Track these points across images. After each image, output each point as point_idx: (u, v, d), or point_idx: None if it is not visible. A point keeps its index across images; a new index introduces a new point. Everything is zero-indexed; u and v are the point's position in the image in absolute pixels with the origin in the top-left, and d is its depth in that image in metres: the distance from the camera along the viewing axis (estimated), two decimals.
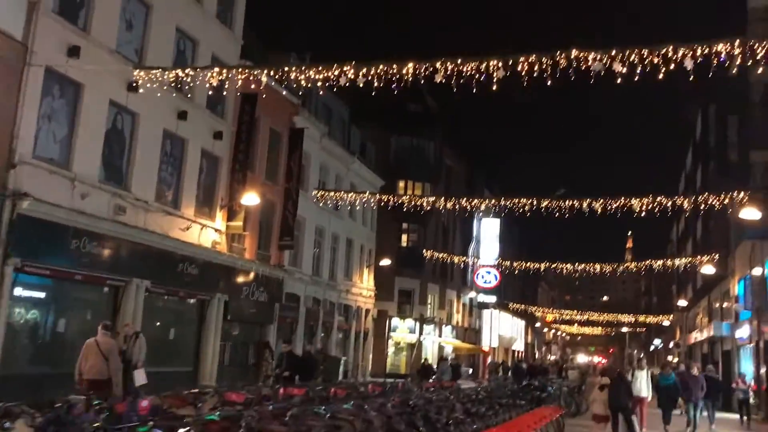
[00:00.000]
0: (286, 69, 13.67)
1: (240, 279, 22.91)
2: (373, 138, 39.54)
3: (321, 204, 28.99)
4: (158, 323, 19.74)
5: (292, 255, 27.55)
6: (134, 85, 17.38)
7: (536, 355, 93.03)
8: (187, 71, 14.55)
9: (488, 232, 55.59)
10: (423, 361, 32.38)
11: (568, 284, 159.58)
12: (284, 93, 25.80)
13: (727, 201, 20.22)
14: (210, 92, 20.86)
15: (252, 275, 23.60)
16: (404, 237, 43.16)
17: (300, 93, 27.64)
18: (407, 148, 43.60)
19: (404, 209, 42.02)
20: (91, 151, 16.58)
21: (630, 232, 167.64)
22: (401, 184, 42.36)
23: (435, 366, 46.00)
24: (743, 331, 28.92)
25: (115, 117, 17.67)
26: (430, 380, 24.38)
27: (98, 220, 16.45)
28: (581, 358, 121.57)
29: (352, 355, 34.19)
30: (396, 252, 41.05)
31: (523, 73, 12.02)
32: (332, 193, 24.73)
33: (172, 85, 18.74)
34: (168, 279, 19.27)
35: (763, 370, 25.11)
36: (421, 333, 43.00)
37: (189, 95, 20.30)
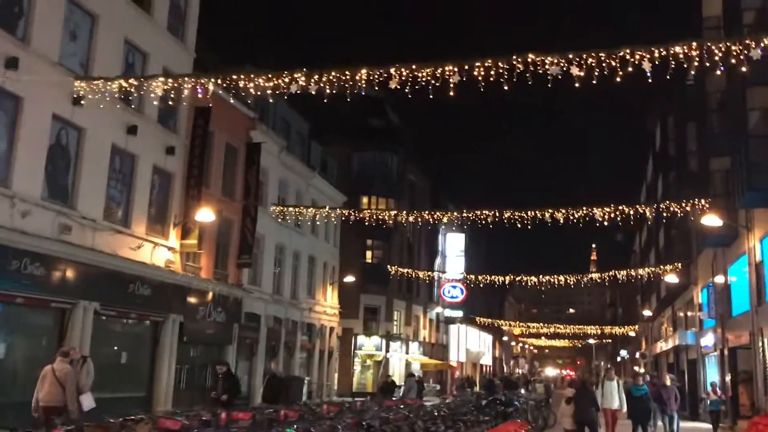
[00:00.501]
0: (235, 77, 13.19)
1: (196, 299, 22.09)
2: (335, 153, 39.06)
3: (281, 220, 28.41)
4: (109, 347, 18.84)
5: (251, 273, 26.81)
6: (78, 98, 16.70)
7: (504, 369, 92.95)
8: (131, 81, 13.95)
9: (453, 246, 55.43)
10: (385, 378, 31.68)
11: (534, 298, 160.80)
12: (239, 107, 25.22)
13: (688, 208, 20.19)
14: (160, 105, 20.40)
15: (209, 295, 22.80)
16: (369, 253, 42.65)
17: (257, 107, 27.31)
18: (370, 164, 43.19)
19: (368, 225, 42.05)
20: (33, 167, 15.76)
21: (594, 245, 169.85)
22: (364, 200, 41.93)
23: (402, 383, 45.70)
24: (708, 339, 28.93)
25: (59, 132, 16.87)
26: (393, 398, 23.70)
27: (41, 239, 15.60)
28: (550, 371, 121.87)
29: (317, 374, 33.40)
30: (361, 269, 40.49)
31: (479, 78, 11.72)
32: (291, 209, 24.08)
33: (119, 97, 18.07)
34: (118, 300, 18.41)
35: (728, 378, 25.06)
36: (387, 350, 42.39)
37: (138, 109, 19.65)
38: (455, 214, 22.24)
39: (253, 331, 26.77)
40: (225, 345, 24.21)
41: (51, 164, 16.48)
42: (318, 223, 30.85)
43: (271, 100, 14.12)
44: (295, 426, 8.92)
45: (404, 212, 23.09)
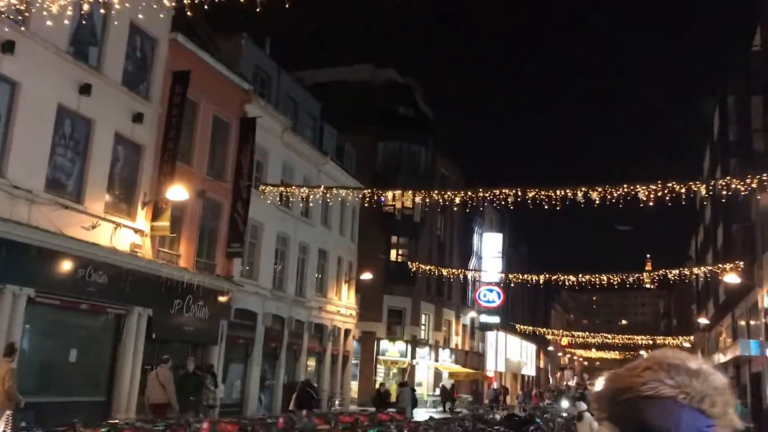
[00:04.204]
0: None
1: (169, 291, 19.13)
2: (358, 142, 35.97)
3: (285, 208, 25.53)
4: (53, 341, 16.09)
5: (246, 266, 23.90)
6: (10, 44, 14.11)
7: (550, 381, 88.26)
8: None
9: (490, 247, 51.62)
10: (378, 386, 28.28)
11: (584, 308, 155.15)
12: (232, 77, 22.39)
13: (754, 184, 16.37)
14: (126, 66, 17.67)
15: (187, 287, 19.83)
16: (393, 251, 39.35)
17: (256, 81, 24.44)
18: (396, 154, 39.96)
19: (393, 220, 38.85)
20: None
21: (648, 255, 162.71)
22: (389, 193, 38.62)
23: (432, 392, 42.21)
24: None
25: None
26: (388, 410, 20.32)
27: None
28: (600, 384, 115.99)
29: (328, 381, 30.20)
30: (384, 267, 37.28)
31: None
32: (281, 188, 21.04)
33: (68, 51, 15.47)
34: (62, 287, 15.65)
35: None
36: (413, 356, 39.01)
37: (96, 67, 16.95)
38: (469, 193, 18.86)
39: (248, 330, 23.82)
40: (209, 344, 21.29)
41: None
42: (322, 202, 27.52)
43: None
44: None
45: (409, 192, 19.82)
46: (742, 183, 16.58)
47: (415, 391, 28.01)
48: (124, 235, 17.73)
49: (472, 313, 49.53)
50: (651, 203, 17.05)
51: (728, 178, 16.86)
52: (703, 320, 45.37)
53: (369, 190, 20.89)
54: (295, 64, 36.05)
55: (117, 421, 12.46)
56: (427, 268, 32.61)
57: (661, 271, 27.67)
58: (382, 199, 22.62)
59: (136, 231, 18.21)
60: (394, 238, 39.30)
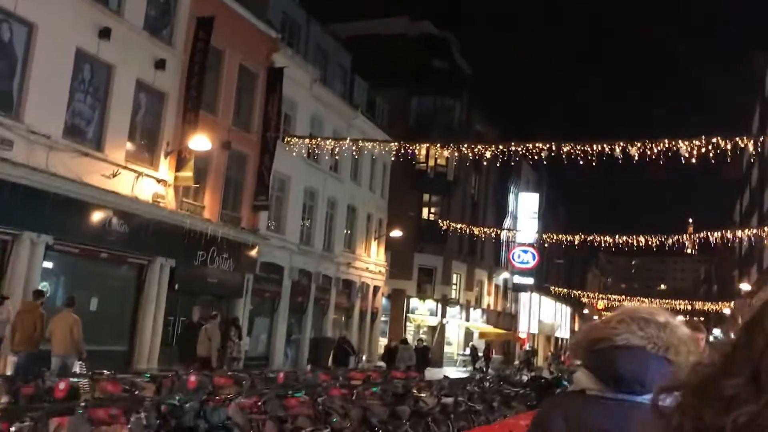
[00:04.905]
0: None
1: (193, 242, 18.85)
2: (390, 96, 35.09)
3: (312, 161, 25.06)
4: (73, 290, 15.96)
5: (273, 219, 23.57)
6: None
7: None
8: None
9: (526, 208, 50.57)
10: (388, 342, 27.35)
11: (623, 273, 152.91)
12: (259, 24, 21.73)
13: None
14: (148, 10, 17.18)
15: (211, 238, 19.57)
16: (425, 210, 38.69)
17: (284, 29, 23.77)
18: (430, 110, 38.97)
19: (425, 178, 38.09)
20: None
21: (690, 220, 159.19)
22: (422, 150, 37.79)
23: (462, 351, 41.91)
24: None
25: None
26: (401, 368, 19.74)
27: None
28: None
29: (356, 337, 29.97)
30: (416, 225, 36.70)
31: None
32: (307, 140, 20.48)
33: None
34: (82, 235, 15.49)
35: None
36: (443, 315, 38.65)
37: (116, 11, 16.48)
38: (501, 147, 18.06)
39: (274, 284, 23.61)
40: (233, 297, 21.13)
41: None
42: (357, 157, 26.88)
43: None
44: None
45: (438, 145, 19.12)
46: None
47: (429, 349, 27.17)
48: (146, 184, 17.45)
49: (506, 274, 48.84)
50: (694, 160, 16.06)
51: None
52: (745, 286, 43.99)
53: (396, 143, 20.16)
54: (327, 16, 35.14)
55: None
56: (459, 226, 31.90)
57: (702, 234, 26.54)
58: (411, 153, 21.85)
59: (159, 181, 17.92)
60: (426, 196, 38.61)
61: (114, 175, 16.33)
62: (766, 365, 0.70)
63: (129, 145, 17.10)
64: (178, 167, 18.35)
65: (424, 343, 25.56)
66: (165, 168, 18.16)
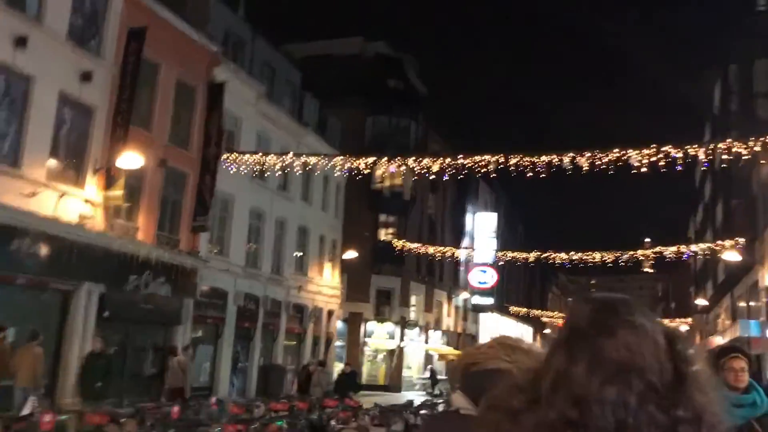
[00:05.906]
0: None
1: (125, 265, 17.67)
2: (346, 116, 34.37)
3: (259, 181, 24.10)
4: None
5: (215, 241, 22.48)
6: None
7: None
8: None
9: (483, 227, 50.12)
10: (306, 365, 24.83)
11: (583, 291, 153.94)
12: (196, 37, 20.83)
13: (758, 147, 14.88)
14: (72, 20, 16.19)
15: (146, 262, 18.39)
16: (382, 230, 37.88)
17: (227, 44, 22.93)
18: (385, 129, 38.36)
19: (381, 198, 37.32)
20: None
21: (648, 240, 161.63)
22: (362, 160, 37.00)
23: (422, 375, 40.90)
24: None
25: None
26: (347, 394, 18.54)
27: None
28: None
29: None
30: (372, 246, 35.83)
31: None
32: (248, 156, 19.51)
33: None
34: None
35: None
36: (402, 338, 37.71)
37: (35, 18, 15.42)
38: (448, 160, 17.35)
39: (218, 310, 22.46)
40: (172, 324, 19.89)
41: None
42: (307, 174, 25.88)
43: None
44: None
45: (383, 159, 18.34)
46: (744, 146, 15.10)
47: (356, 374, 25.59)
48: (71, 204, 16.27)
49: (465, 294, 48.20)
50: (644, 169, 15.57)
51: (729, 140, 15.35)
52: (701, 301, 44.06)
53: (342, 158, 19.35)
54: (281, 36, 34.45)
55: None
56: (414, 246, 31.15)
57: (656, 249, 26.23)
58: (365, 173, 20.84)
59: (86, 200, 16.75)
60: (382, 217, 37.85)
61: (32, 195, 15.14)
62: (546, 388, 0.95)
63: (51, 162, 15.96)
64: (107, 186, 17.21)
65: (351, 368, 23.63)
66: (93, 187, 17.00)
